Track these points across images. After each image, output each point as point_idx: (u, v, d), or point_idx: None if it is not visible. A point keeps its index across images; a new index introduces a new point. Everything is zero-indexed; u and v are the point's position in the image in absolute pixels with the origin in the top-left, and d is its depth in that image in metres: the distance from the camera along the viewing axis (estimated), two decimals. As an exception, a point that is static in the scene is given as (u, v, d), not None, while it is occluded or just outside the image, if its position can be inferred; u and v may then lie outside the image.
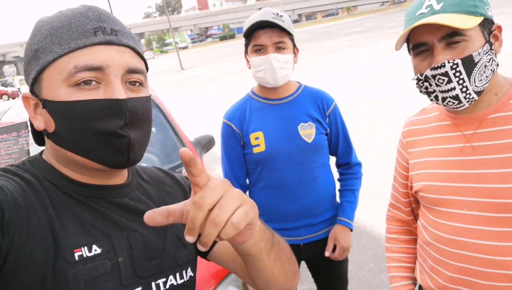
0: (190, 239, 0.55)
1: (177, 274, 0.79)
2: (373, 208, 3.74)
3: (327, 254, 1.68)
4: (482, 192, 0.95)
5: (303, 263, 1.82)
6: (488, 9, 0.95)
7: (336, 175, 1.78)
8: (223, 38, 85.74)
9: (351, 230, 1.69)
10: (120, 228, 0.74)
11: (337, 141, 1.70)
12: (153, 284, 0.75)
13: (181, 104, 11.98)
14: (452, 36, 0.91)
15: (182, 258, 0.81)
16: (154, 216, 0.59)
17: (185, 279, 0.81)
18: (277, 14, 1.50)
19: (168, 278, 0.78)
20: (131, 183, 0.82)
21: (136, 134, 0.70)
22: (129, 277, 0.72)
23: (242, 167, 1.66)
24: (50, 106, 0.68)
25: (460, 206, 0.99)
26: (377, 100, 7.84)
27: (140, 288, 0.73)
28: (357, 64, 12.83)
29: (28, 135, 2.82)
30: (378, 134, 5.72)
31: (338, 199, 1.77)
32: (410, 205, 1.25)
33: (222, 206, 0.55)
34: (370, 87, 9.12)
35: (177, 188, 0.91)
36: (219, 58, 29.73)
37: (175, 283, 0.79)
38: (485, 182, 0.95)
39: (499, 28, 0.98)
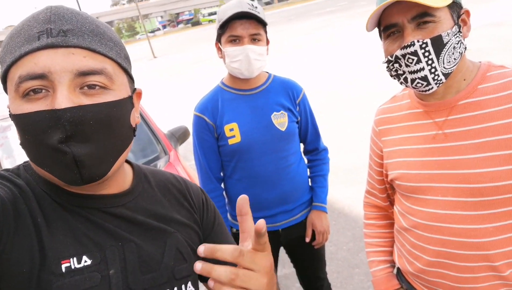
0: (200, 252, 0.57)
1: (175, 289, 0.76)
2: (350, 189, 3.81)
3: (307, 240, 1.72)
4: (456, 178, 0.97)
5: (283, 248, 1.85)
6: None
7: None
8: (194, 24, 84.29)
9: (326, 213, 1.74)
10: (114, 238, 0.70)
11: (307, 128, 1.73)
12: None
13: (154, 94, 11.78)
14: (422, 16, 0.92)
15: (182, 271, 0.77)
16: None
17: None
18: (252, 4, 1.49)
19: None
20: (133, 191, 0.78)
21: (84, 149, 0.62)
22: None
23: (217, 160, 1.66)
24: (13, 119, 0.65)
25: (436, 192, 1.01)
26: (352, 80, 7.91)
27: None
28: (330, 44, 12.86)
29: (-4, 137, 2.73)
30: (354, 114, 5.80)
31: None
32: (386, 192, 1.27)
33: (250, 279, 0.59)
34: (344, 68, 9.19)
35: (183, 195, 0.87)
36: (192, 44, 29.26)
37: None
38: (458, 168, 0.97)
39: (468, 12, 0.99)
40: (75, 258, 0.65)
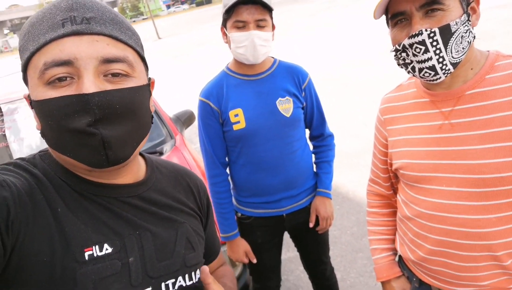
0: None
1: (186, 276, 0.79)
2: (354, 173, 3.82)
3: (311, 225, 1.74)
4: (461, 168, 0.97)
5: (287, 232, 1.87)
6: None
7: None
8: (199, 4, 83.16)
9: (331, 199, 1.75)
10: (132, 227, 0.73)
11: (312, 114, 1.72)
12: (163, 284, 0.74)
13: (159, 75, 11.73)
14: (430, 4, 0.90)
15: (191, 260, 0.81)
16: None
17: (194, 281, 0.80)
18: None
19: (177, 279, 0.77)
20: (147, 181, 0.80)
21: (111, 131, 0.65)
22: (140, 277, 0.71)
23: (222, 145, 1.66)
24: (35, 106, 0.66)
25: (440, 182, 1.01)
26: (356, 63, 7.82)
27: (150, 288, 0.72)
28: (334, 27, 12.67)
29: (3, 120, 2.74)
30: (358, 98, 5.76)
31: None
32: (390, 180, 1.27)
33: None
34: (348, 51, 9.07)
35: (191, 189, 0.91)
36: (196, 25, 28.94)
37: (184, 285, 0.78)
38: (464, 159, 0.97)
39: (477, 0, 0.97)
40: (97, 246, 0.67)
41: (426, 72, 0.95)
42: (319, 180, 1.75)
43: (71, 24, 0.63)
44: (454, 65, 0.94)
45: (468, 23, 0.93)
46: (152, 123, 0.76)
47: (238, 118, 1.58)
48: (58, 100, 0.62)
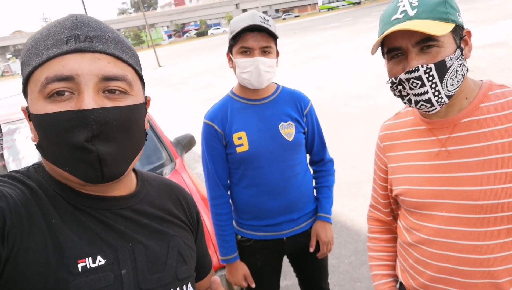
0: None
1: (178, 289, 0.79)
2: (353, 202, 3.82)
3: (311, 250, 1.74)
4: (460, 195, 0.99)
5: (285, 258, 1.86)
6: (459, 15, 0.98)
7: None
8: (200, 35, 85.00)
9: (331, 224, 1.76)
10: (125, 239, 0.73)
11: (313, 139, 1.76)
12: None
13: (160, 102, 11.85)
14: (426, 41, 0.94)
15: (183, 273, 0.81)
16: None
17: None
18: (264, 18, 1.53)
19: None
20: (139, 194, 0.81)
21: (108, 148, 0.66)
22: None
23: (225, 167, 1.68)
24: (33, 119, 0.67)
25: (440, 208, 1.03)
26: (354, 95, 7.96)
27: None
28: (334, 60, 12.95)
29: (2, 139, 2.76)
30: (357, 129, 5.83)
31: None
32: (390, 206, 1.29)
33: None
34: (347, 83, 9.25)
35: (180, 203, 0.92)
36: (196, 54, 29.51)
37: None
38: (461, 185, 0.99)
39: (469, 33, 1.01)
40: (90, 258, 0.67)
41: (422, 104, 0.99)
42: (320, 205, 1.77)
43: (75, 41, 0.65)
44: (449, 97, 0.97)
45: (461, 57, 0.97)
46: (146, 140, 0.78)
47: (241, 141, 1.61)
48: (58, 115, 0.64)
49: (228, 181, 1.73)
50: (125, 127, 0.69)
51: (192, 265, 0.86)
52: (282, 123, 1.64)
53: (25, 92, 0.70)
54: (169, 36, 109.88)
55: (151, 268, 0.75)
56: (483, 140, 0.97)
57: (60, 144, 0.65)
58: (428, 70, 0.94)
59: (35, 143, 0.70)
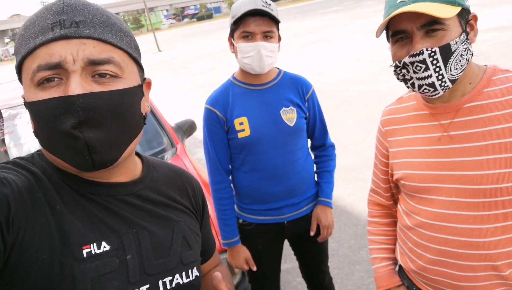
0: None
1: (183, 273, 0.79)
2: (352, 187, 3.85)
3: (312, 233, 1.76)
4: (460, 179, 1.00)
5: (286, 242, 1.88)
6: None
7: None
8: (200, 18, 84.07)
9: (331, 208, 1.78)
10: (129, 225, 0.73)
11: (314, 124, 1.76)
12: (160, 282, 0.75)
13: (160, 87, 11.81)
14: (431, 24, 0.93)
15: (188, 257, 0.82)
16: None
17: (191, 279, 0.81)
18: (266, 2, 1.51)
19: (174, 276, 0.78)
20: (143, 180, 0.81)
21: (96, 134, 0.65)
22: (137, 275, 0.71)
23: (226, 152, 1.69)
24: (27, 107, 0.67)
25: (440, 192, 1.04)
26: (355, 80, 7.93)
27: (148, 285, 0.73)
28: (334, 44, 12.86)
29: (3, 124, 2.76)
30: (357, 114, 5.82)
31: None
32: (390, 191, 1.30)
33: None
34: (347, 67, 9.20)
35: (185, 189, 0.91)
36: (196, 39, 29.24)
37: (181, 282, 0.79)
38: (462, 170, 0.99)
39: (475, 17, 1.00)
40: (95, 244, 0.67)
41: (425, 88, 0.98)
42: (320, 189, 1.78)
43: (60, 28, 0.64)
44: (453, 81, 0.97)
45: (467, 41, 0.96)
46: (145, 124, 0.77)
47: (243, 126, 1.62)
48: (46, 102, 0.63)
49: (230, 166, 1.74)
50: (116, 112, 0.67)
51: (197, 249, 0.87)
52: (283, 108, 1.64)
53: (20, 80, 0.70)
54: (169, 20, 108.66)
55: (156, 253, 0.75)
56: (485, 125, 0.97)
57: (50, 131, 0.64)
58: (432, 54, 0.93)
59: (33, 130, 0.70)
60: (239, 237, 1.72)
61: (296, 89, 1.69)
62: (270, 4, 1.53)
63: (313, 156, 1.85)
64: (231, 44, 1.65)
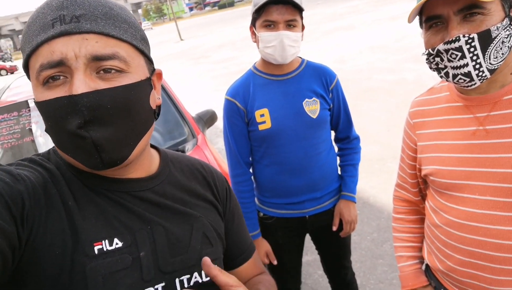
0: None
1: (203, 272, 0.76)
2: (376, 179, 3.77)
3: (334, 228, 1.72)
4: (496, 177, 0.93)
5: (307, 235, 1.85)
6: None
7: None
8: (222, 7, 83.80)
9: (355, 203, 1.73)
10: (143, 221, 0.72)
11: (339, 116, 1.70)
12: (177, 280, 0.72)
13: (181, 76, 11.86)
14: (470, 8, 0.86)
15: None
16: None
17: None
18: None
19: (192, 275, 0.75)
20: (160, 175, 0.79)
21: (104, 133, 0.63)
22: (151, 272, 0.69)
23: (247, 144, 1.66)
24: (36, 106, 0.66)
25: (473, 191, 0.97)
26: (379, 68, 7.73)
27: (163, 284, 0.70)
28: (358, 31, 12.57)
29: (30, 114, 2.81)
30: (381, 104, 5.68)
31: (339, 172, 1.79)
32: (418, 186, 1.24)
33: None
34: (371, 55, 8.98)
35: (207, 182, 0.88)
36: (218, 27, 29.17)
37: (200, 281, 0.75)
38: (499, 167, 0.93)
39: None
40: (107, 241, 0.66)
41: (460, 78, 0.92)
42: (344, 183, 1.73)
43: (60, 24, 0.62)
44: (492, 71, 0.90)
45: (510, 27, 0.88)
46: (157, 118, 0.74)
47: (264, 118, 1.58)
48: (52, 102, 0.62)
49: (250, 158, 1.70)
50: (122, 109, 0.65)
51: (220, 247, 0.83)
52: (306, 99, 1.59)
53: (29, 78, 0.69)
54: (191, 9, 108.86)
55: (172, 251, 0.73)
56: None
57: (59, 131, 0.64)
58: (470, 41, 0.86)
59: (45, 128, 0.69)
60: (260, 230, 1.70)
61: (320, 79, 1.63)
62: None
63: (336, 149, 1.80)
64: (253, 34, 1.60)
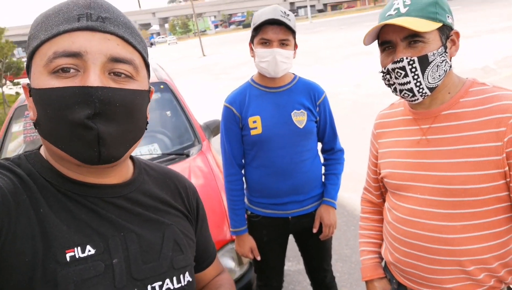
0: None
1: (174, 278, 0.77)
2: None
3: (314, 230, 1.87)
4: (434, 179, 1.10)
5: (291, 238, 2.01)
6: (448, 16, 1.07)
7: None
8: (246, 26, 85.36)
9: (335, 209, 1.88)
10: (116, 228, 0.72)
11: (325, 128, 1.88)
12: (149, 287, 0.73)
13: (201, 90, 12.21)
14: (413, 37, 1.04)
15: (179, 262, 0.80)
16: None
17: (183, 284, 0.79)
18: (285, 12, 1.66)
19: (164, 281, 0.76)
20: (134, 182, 0.80)
21: (109, 128, 0.64)
22: (124, 279, 0.69)
23: (240, 148, 1.84)
24: (34, 94, 0.66)
25: (416, 190, 1.14)
26: (390, 93, 7.84)
27: None
28: (375, 56, 12.71)
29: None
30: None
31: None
32: (380, 189, 1.41)
33: None
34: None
35: (179, 192, 0.90)
36: (240, 45, 29.81)
37: (171, 287, 0.76)
38: (436, 170, 1.10)
39: (457, 34, 1.11)
40: (79, 248, 0.66)
41: (405, 93, 1.10)
42: (326, 190, 1.89)
43: (87, 20, 0.64)
44: (431, 89, 1.08)
45: (445, 54, 1.06)
46: (146, 129, 0.77)
47: (255, 125, 1.77)
48: (61, 90, 0.62)
49: (243, 161, 1.89)
50: (128, 110, 0.68)
51: (190, 254, 0.85)
52: (295, 110, 1.77)
53: (28, 67, 0.69)
54: (216, 26, 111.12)
55: (144, 258, 0.74)
56: (458, 131, 1.07)
57: (59, 120, 0.63)
58: (411, 62, 1.05)
59: (33, 121, 0.69)
60: (247, 227, 1.87)
61: (309, 94, 1.82)
62: (288, 15, 1.67)
63: (322, 159, 1.96)
64: (251, 49, 1.80)
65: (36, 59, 0.66)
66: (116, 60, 0.66)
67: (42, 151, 0.74)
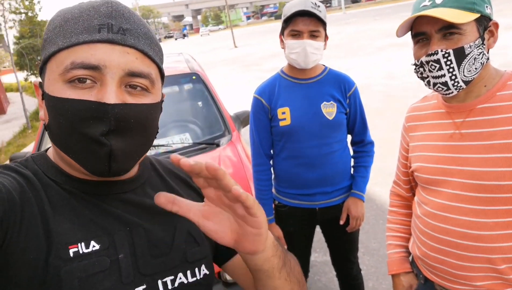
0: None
1: (188, 272, 0.75)
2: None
3: (341, 222, 1.88)
4: (466, 174, 1.08)
5: (318, 229, 2.02)
6: (486, 7, 1.04)
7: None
8: (278, 17, 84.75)
9: (363, 201, 1.87)
10: (122, 223, 0.71)
11: (355, 120, 1.87)
12: (159, 282, 0.71)
13: (232, 81, 12.29)
14: (448, 28, 1.02)
15: (194, 255, 0.77)
16: (160, 195, 0.60)
17: (198, 277, 0.76)
18: (315, 4, 1.66)
19: (177, 276, 0.74)
20: (139, 178, 0.79)
21: (122, 144, 0.65)
22: (131, 275, 0.68)
23: (268, 138, 1.86)
24: (47, 99, 0.65)
25: (447, 185, 1.12)
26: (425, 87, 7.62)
27: (144, 286, 0.69)
28: (411, 48, 12.36)
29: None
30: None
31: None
32: (410, 183, 1.39)
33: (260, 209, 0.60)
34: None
35: (190, 185, 0.88)
36: (272, 36, 29.66)
37: (185, 281, 0.74)
38: (469, 165, 1.07)
39: (496, 25, 1.07)
40: (83, 243, 0.65)
41: (439, 86, 1.08)
42: (355, 182, 1.88)
43: (107, 31, 0.63)
44: (466, 82, 1.05)
45: (482, 46, 1.03)
46: (156, 138, 0.75)
47: (285, 116, 1.78)
48: (77, 103, 0.62)
49: (271, 151, 1.91)
50: (141, 125, 0.67)
51: (207, 245, 0.81)
52: (324, 102, 1.77)
53: (42, 68, 0.68)
54: (248, 18, 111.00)
55: (153, 252, 0.72)
56: (493, 125, 1.04)
57: (72, 132, 0.63)
58: (446, 55, 1.02)
59: (44, 122, 0.69)
60: (274, 217, 1.89)
61: (339, 86, 1.81)
62: (319, 6, 1.67)
63: (352, 151, 1.96)
64: (281, 41, 1.81)
65: (51, 65, 0.65)
66: (133, 74, 0.66)
67: (50, 153, 0.74)
